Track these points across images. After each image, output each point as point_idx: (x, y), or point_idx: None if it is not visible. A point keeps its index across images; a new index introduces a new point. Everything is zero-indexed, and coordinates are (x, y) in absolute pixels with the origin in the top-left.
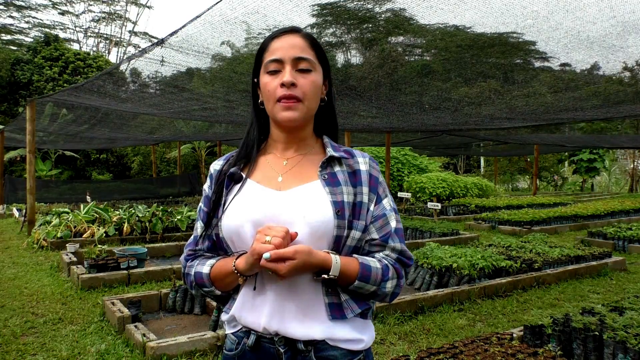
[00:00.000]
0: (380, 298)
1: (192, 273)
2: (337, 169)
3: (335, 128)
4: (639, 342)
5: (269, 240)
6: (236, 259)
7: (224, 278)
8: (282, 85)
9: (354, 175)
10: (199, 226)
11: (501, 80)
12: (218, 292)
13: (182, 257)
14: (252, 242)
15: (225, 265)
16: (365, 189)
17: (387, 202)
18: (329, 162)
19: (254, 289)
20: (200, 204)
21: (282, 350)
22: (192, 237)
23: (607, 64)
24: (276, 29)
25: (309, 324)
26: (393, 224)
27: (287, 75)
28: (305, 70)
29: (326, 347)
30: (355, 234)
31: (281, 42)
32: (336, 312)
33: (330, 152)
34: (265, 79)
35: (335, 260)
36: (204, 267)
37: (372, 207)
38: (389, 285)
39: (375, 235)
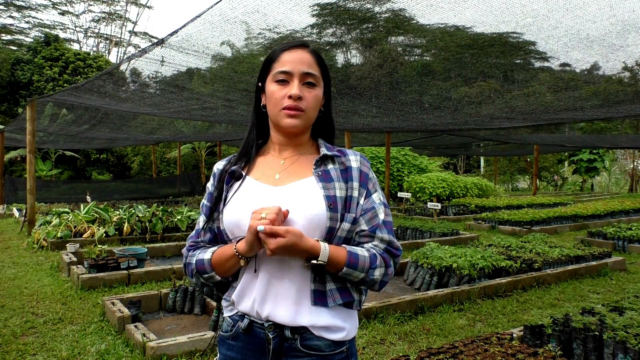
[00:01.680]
0: (369, 285)
1: (194, 261)
2: (330, 166)
3: (332, 134)
4: (639, 342)
5: (263, 216)
6: (237, 243)
7: (225, 262)
8: (290, 97)
9: (345, 172)
10: (201, 220)
11: (501, 79)
12: (218, 278)
13: (184, 249)
14: None
15: (226, 250)
16: (355, 184)
17: (377, 197)
18: (323, 160)
19: (255, 271)
20: (204, 200)
21: (270, 336)
22: (194, 230)
23: (607, 63)
24: (287, 42)
25: (295, 309)
26: (381, 216)
27: (295, 88)
28: (310, 84)
29: (311, 336)
30: (345, 225)
31: (291, 56)
32: (319, 299)
33: (324, 151)
34: (272, 87)
35: (324, 247)
36: (206, 253)
37: (362, 201)
38: (377, 273)
39: (364, 227)
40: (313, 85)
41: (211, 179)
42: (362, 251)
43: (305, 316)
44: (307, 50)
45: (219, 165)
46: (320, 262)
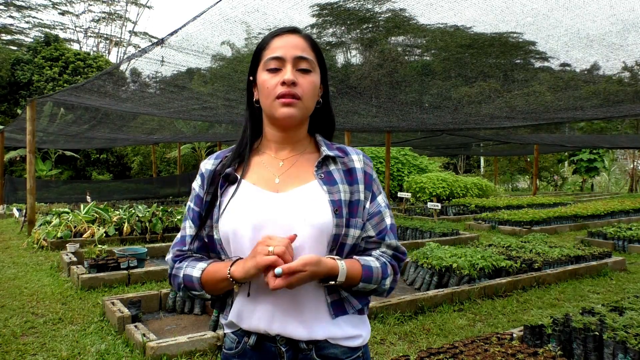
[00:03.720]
0: (379, 293)
1: (181, 275)
2: (332, 167)
3: (331, 129)
4: (639, 342)
5: (272, 250)
6: (231, 266)
7: (217, 284)
8: (283, 83)
9: (349, 174)
10: (187, 225)
11: (501, 79)
12: (208, 296)
13: (168, 258)
14: (248, 245)
15: (219, 272)
16: (361, 187)
17: (382, 199)
18: (324, 161)
19: (248, 295)
20: (190, 203)
21: (283, 350)
22: (179, 236)
23: (606, 63)
24: (276, 28)
25: (310, 324)
26: (388, 220)
27: (288, 73)
28: (305, 70)
29: (327, 345)
30: (355, 232)
31: (283, 41)
32: (339, 310)
33: (325, 151)
34: (264, 76)
35: (342, 266)
36: (194, 270)
37: (367, 205)
38: (388, 282)
39: (371, 233)
40: (308, 71)
41: (198, 178)
42: (373, 262)
43: (322, 330)
44: (300, 35)
45: (207, 165)
46: (338, 282)
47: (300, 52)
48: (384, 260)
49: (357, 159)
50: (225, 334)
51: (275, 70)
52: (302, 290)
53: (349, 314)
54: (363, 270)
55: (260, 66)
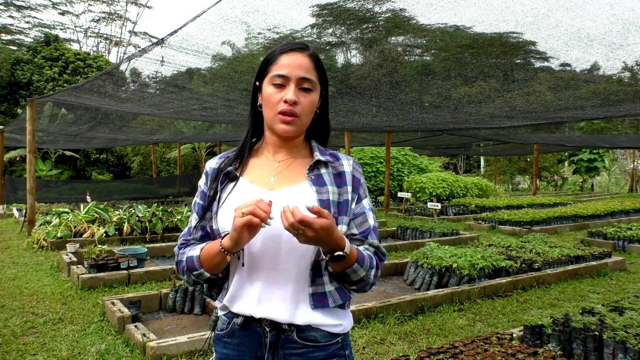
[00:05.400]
0: (364, 284)
1: (184, 258)
2: (323, 170)
3: (326, 136)
4: (639, 342)
5: (244, 211)
6: (222, 239)
7: (212, 258)
8: (286, 101)
9: (339, 177)
10: (193, 218)
11: (501, 79)
12: (207, 275)
13: (175, 247)
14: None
15: (213, 247)
16: (349, 189)
17: (367, 202)
18: (316, 165)
19: (242, 265)
20: (196, 198)
21: (267, 329)
22: (186, 228)
23: (607, 62)
24: (286, 43)
25: (292, 312)
26: (371, 221)
27: (291, 93)
28: (307, 89)
29: (308, 328)
30: (342, 228)
31: (289, 59)
32: (319, 302)
33: (317, 156)
34: (269, 90)
35: (347, 240)
36: (195, 250)
37: (353, 205)
38: (372, 274)
39: (355, 231)
40: (309, 90)
41: (203, 177)
42: (364, 251)
43: (302, 317)
44: (306, 53)
45: (211, 164)
46: (344, 253)
47: (305, 73)
48: (369, 253)
49: (346, 163)
50: (218, 317)
51: (280, 86)
52: (287, 279)
53: (330, 307)
54: (358, 252)
55: (266, 78)
